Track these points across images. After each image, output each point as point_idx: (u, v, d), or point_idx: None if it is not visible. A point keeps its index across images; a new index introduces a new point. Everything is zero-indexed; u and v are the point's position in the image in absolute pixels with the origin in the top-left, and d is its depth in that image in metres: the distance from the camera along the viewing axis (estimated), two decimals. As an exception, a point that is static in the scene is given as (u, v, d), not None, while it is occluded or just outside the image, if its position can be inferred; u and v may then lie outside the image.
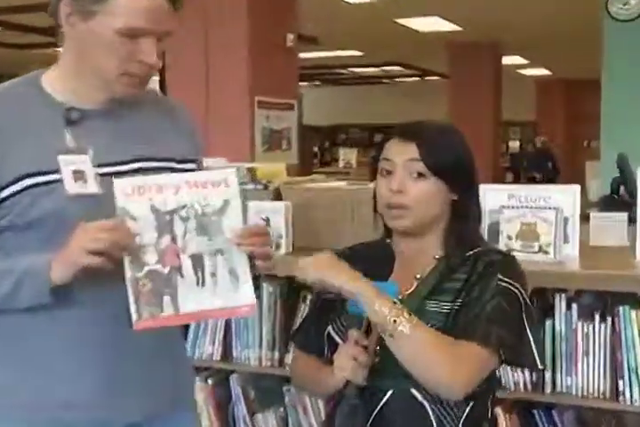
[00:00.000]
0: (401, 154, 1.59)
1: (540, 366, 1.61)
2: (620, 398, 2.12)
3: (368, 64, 12.35)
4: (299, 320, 2.34)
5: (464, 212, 1.63)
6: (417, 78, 13.99)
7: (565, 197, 2.36)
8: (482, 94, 10.01)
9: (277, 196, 2.62)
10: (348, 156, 9.96)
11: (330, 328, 1.67)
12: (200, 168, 1.65)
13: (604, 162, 6.36)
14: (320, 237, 2.50)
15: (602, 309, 2.19)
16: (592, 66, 10.87)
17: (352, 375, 1.51)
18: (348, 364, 1.51)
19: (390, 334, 1.43)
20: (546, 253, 2.27)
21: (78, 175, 1.44)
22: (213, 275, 1.43)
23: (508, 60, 10.70)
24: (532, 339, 1.55)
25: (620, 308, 2.13)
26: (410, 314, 1.44)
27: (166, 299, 1.41)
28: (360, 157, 10.22)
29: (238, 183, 1.46)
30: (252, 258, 1.46)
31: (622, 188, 4.30)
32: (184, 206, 1.43)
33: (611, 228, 2.57)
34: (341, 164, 9.90)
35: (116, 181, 1.40)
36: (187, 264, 1.42)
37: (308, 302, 2.38)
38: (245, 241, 1.45)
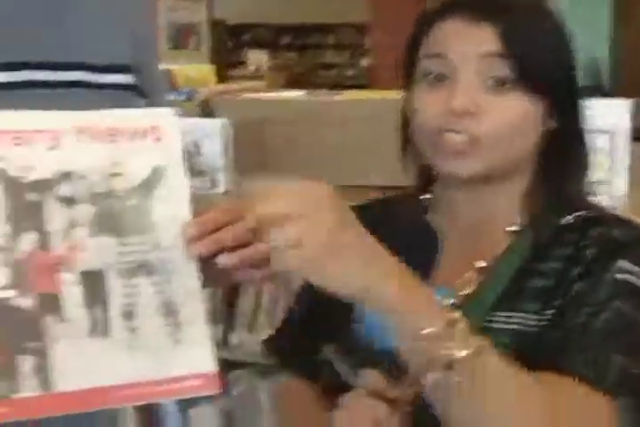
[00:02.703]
0: (467, 45, 0.91)
1: None
2: None
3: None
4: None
5: (567, 148, 0.97)
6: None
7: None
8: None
9: (207, 111, 1.94)
10: (258, 58, 9.09)
11: (327, 351, 0.99)
12: (144, 86, 0.97)
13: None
14: (275, 168, 1.81)
15: None
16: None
17: None
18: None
19: (438, 383, 0.74)
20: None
21: None
22: (129, 314, 0.75)
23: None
24: None
25: None
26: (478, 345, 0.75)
27: (27, 363, 0.71)
28: (272, 59, 9.39)
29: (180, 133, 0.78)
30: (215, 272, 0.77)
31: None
32: (69, 175, 0.74)
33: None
34: (251, 68, 9.02)
35: None
36: (73, 293, 0.73)
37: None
38: (202, 242, 0.75)
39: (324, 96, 1.89)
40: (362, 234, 0.75)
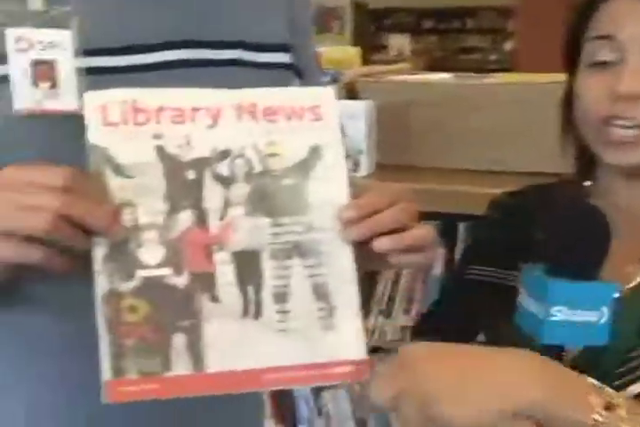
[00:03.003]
0: (637, 25, 0.86)
1: None
2: None
3: None
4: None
5: None
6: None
7: None
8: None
9: (352, 93, 1.92)
10: (399, 42, 8.99)
11: (479, 341, 0.96)
12: (300, 66, 0.95)
13: None
14: (418, 151, 1.77)
15: None
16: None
17: None
18: None
19: None
20: None
21: (43, 71, 0.76)
22: (281, 296, 0.75)
23: None
24: None
25: None
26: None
27: (179, 341, 0.72)
28: (413, 44, 9.25)
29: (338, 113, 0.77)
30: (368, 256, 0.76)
31: None
32: (226, 154, 0.74)
33: None
34: (392, 52, 8.93)
35: (88, 95, 0.73)
36: (226, 272, 0.73)
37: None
38: (361, 225, 0.74)
39: (471, 79, 1.83)
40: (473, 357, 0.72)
